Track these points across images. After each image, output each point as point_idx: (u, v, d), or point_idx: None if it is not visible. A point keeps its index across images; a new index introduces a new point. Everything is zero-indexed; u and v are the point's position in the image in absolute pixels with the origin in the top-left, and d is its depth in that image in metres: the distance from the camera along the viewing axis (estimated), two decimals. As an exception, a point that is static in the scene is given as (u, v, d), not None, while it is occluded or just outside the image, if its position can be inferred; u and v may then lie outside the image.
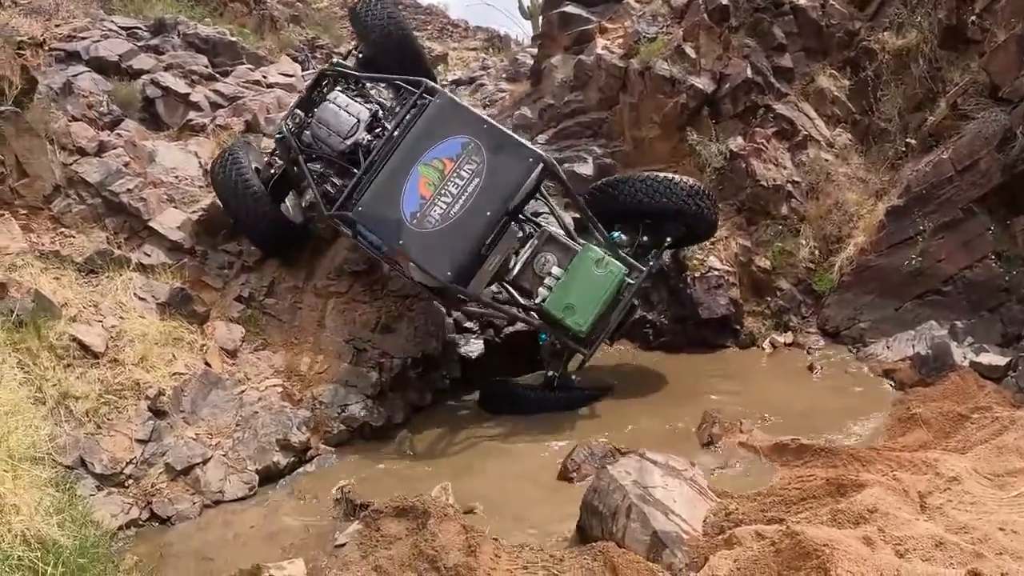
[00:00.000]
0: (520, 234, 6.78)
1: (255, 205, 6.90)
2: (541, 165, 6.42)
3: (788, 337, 7.01)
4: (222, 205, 7.10)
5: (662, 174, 6.64)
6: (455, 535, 4.57)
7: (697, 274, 7.23)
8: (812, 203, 7.38)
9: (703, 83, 7.63)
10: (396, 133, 6.77)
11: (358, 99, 7.24)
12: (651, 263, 6.57)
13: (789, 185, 7.35)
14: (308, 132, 7.13)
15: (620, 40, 8.17)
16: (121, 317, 6.26)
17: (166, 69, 8.51)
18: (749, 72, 7.56)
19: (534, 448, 5.96)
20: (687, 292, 7.22)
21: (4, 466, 3.74)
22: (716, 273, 7.15)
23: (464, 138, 6.56)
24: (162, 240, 6.95)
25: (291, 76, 7.39)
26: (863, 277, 6.94)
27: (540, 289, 6.55)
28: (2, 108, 6.24)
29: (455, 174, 6.49)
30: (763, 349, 7.07)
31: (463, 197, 6.44)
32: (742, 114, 7.66)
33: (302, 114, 7.27)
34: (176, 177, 7.43)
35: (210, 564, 4.88)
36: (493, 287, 6.79)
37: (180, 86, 8.38)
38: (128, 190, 6.87)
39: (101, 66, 8.20)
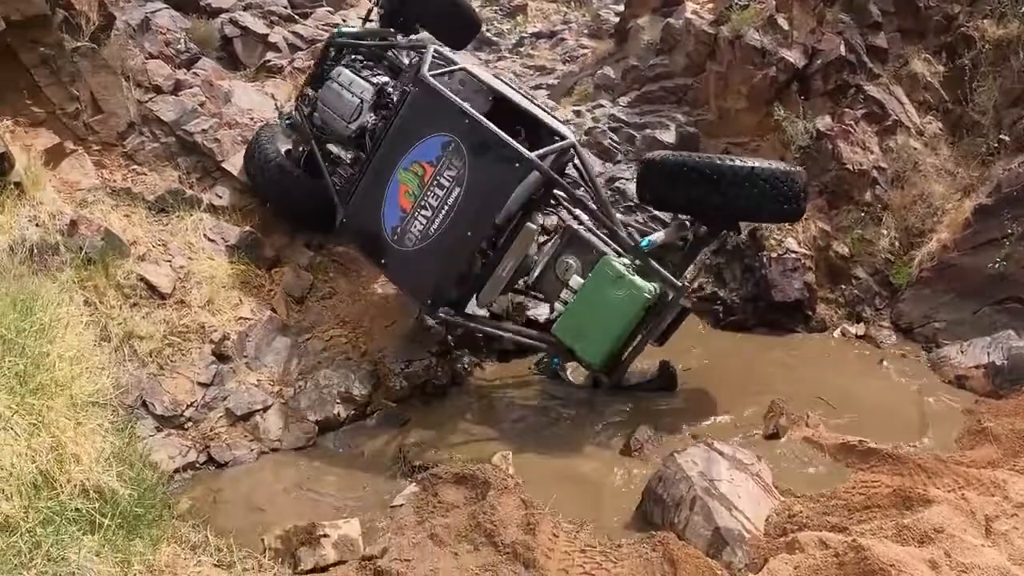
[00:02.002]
0: (542, 229, 5.92)
1: (286, 185, 6.52)
2: (535, 173, 5.43)
3: (860, 328, 6.68)
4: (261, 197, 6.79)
5: (775, 165, 5.52)
6: (514, 509, 4.47)
7: (774, 255, 6.88)
8: (897, 192, 6.97)
9: (794, 57, 7.20)
10: (382, 125, 5.85)
11: (366, 71, 6.42)
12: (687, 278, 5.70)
13: (875, 171, 6.94)
14: (317, 115, 6.42)
15: (711, 5, 7.77)
16: (189, 258, 6.17)
17: (245, 9, 8.33)
18: (842, 49, 7.12)
19: (598, 420, 5.76)
20: (762, 272, 6.90)
21: (66, 414, 3.66)
22: (793, 256, 6.81)
23: (444, 137, 5.48)
24: (234, 182, 6.82)
25: (371, 21, 7.10)
26: (943, 275, 6.57)
27: (557, 303, 5.73)
28: (79, 44, 6.12)
29: (435, 182, 5.52)
30: (833, 337, 6.74)
31: (443, 211, 5.50)
32: (832, 92, 7.23)
33: (312, 93, 6.54)
34: (251, 119, 7.27)
35: (262, 515, 4.81)
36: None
37: (259, 26, 8.20)
38: (202, 130, 6.75)
39: (179, 3, 8.03)
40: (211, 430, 5.49)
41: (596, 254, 5.61)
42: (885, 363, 6.27)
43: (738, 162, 5.45)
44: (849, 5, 7.30)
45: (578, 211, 6.17)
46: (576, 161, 6.04)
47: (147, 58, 6.82)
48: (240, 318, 6.03)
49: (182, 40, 7.48)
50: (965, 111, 7.15)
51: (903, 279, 6.74)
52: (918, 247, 6.81)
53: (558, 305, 5.69)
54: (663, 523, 4.29)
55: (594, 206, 5.75)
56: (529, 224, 5.69)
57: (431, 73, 5.70)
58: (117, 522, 3.57)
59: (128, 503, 3.74)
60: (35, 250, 5.14)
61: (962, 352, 6.13)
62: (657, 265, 5.47)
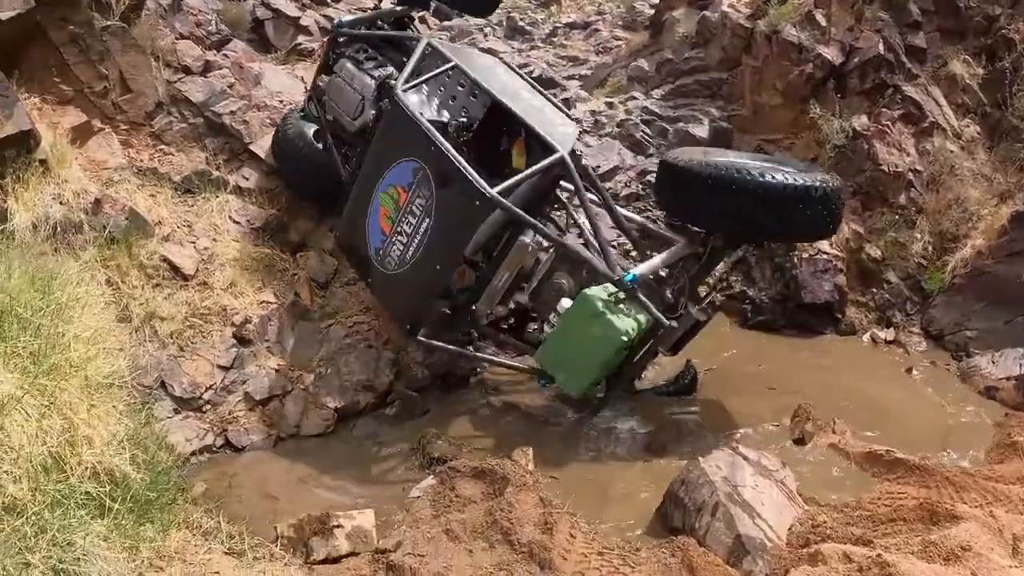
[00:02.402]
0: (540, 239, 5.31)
1: (312, 169, 6.35)
2: (498, 211, 5.01)
3: (890, 334, 6.46)
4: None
5: (825, 181, 5.06)
6: (532, 507, 4.33)
7: (805, 255, 6.66)
8: (932, 195, 6.74)
9: (832, 54, 6.96)
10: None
11: (370, 62, 6.06)
12: (683, 313, 5.14)
13: (910, 173, 6.70)
14: (327, 108, 6.14)
15: (748, -1, 7.54)
16: (214, 239, 6.08)
17: (277, -10, 8.20)
18: (881, 48, 6.86)
19: (621, 418, 5.60)
20: (792, 273, 6.69)
21: (80, 395, 3.55)
22: (824, 257, 6.59)
23: (414, 162, 5.14)
24: (261, 164, 6.68)
25: (404, 5, 6.96)
26: (976, 282, 6.34)
27: (547, 326, 5.35)
28: (109, 23, 6.01)
29: (408, 209, 5.20)
30: (862, 342, 6.52)
31: (416, 239, 5.19)
32: (869, 91, 6.98)
33: (323, 84, 6.20)
34: (280, 101, 7.14)
35: (276, 503, 4.72)
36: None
37: (291, 9, 8.06)
38: (231, 112, 6.62)
39: (212, -16, 7.91)
40: (229, 414, 5.40)
41: (588, 275, 5.19)
42: (914, 371, 6.07)
43: (789, 177, 4.99)
44: (888, 3, 7.05)
45: (582, 219, 5.77)
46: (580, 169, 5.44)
47: (177, 38, 6.70)
48: (263, 302, 5.93)
49: (213, 21, 7.36)
50: (1004, 115, 6.90)
51: (935, 285, 6.52)
52: (952, 253, 6.58)
53: (548, 328, 5.35)
54: (683, 527, 4.14)
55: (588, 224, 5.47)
56: (522, 239, 5.24)
57: (410, 84, 5.38)
58: (127, 506, 3.45)
59: (140, 487, 3.64)
60: (58, 228, 5.07)
61: (993, 363, 5.91)
62: (644, 299, 4.99)
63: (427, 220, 5.11)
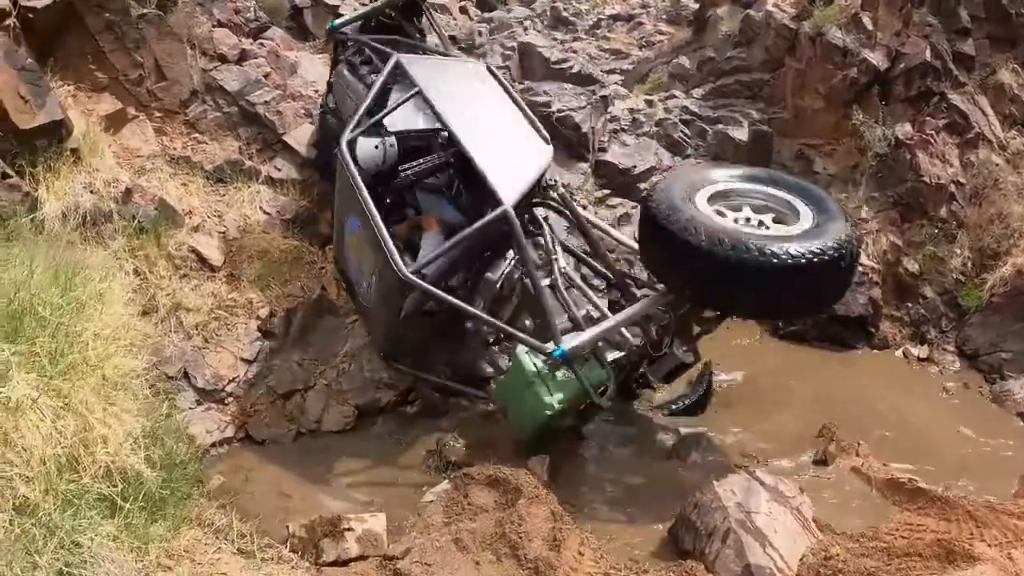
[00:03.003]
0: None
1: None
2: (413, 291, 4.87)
3: (923, 351, 6.28)
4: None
5: (824, 243, 4.31)
6: (542, 521, 4.28)
7: (840, 267, 6.48)
8: (974, 209, 6.53)
9: (877, 59, 6.74)
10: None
11: (364, 67, 6.04)
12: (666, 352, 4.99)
13: (953, 186, 6.48)
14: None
15: (794, -2, 7.32)
16: (243, 230, 6.12)
17: (316, -22, 8.16)
18: (928, 54, 6.65)
19: (641, 430, 5.55)
20: (827, 283, 6.51)
21: (96, 394, 3.60)
22: (860, 269, 6.35)
23: (355, 220, 5.15)
24: (294, 155, 6.69)
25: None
26: (1015, 302, 6.13)
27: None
28: (145, 11, 6.07)
29: (359, 257, 5.29)
30: (895, 358, 6.36)
31: (371, 288, 5.21)
32: (913, 99, 6.77)
33: None
34: (316, 91, 7.12)
35: (288, 501, 4.76)
36: None
37: (330, -5, 8.02)
38: (265, 102, 6.63)
39: (251, -28, 7.90)
40: (251, 407, 5.45)
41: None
42: (945, 392, 5.91)
43: (795, 248, 4.26)
44: (938, 7, 6.82)
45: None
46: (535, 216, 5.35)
47: (214, 26, 6.72)
48: (289, 295, 5.94)
49: (252, 8, 7.35)
50: (1052, 129, 6.67)
51: (973, 302, 6.32)
52: (991, 270, 6.36)
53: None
54: (694, 551, 4.06)
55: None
56: (488, 275, 5.29)
57: (358, 131, 5.23)
58: (139, 505, 3.51)
59: (153, 484, 3.68)
60: (88, 217, 5.16)
61: (1027, 387, 5.75)
62: (576, 371, 4.71)
63: (372, 276, 5.14)
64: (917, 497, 4.52)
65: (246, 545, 3.91)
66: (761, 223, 4.72)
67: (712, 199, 4.76)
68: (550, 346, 4.70)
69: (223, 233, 5.92)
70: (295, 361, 5.68)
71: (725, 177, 4.98)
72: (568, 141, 7.07)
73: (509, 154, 5.14)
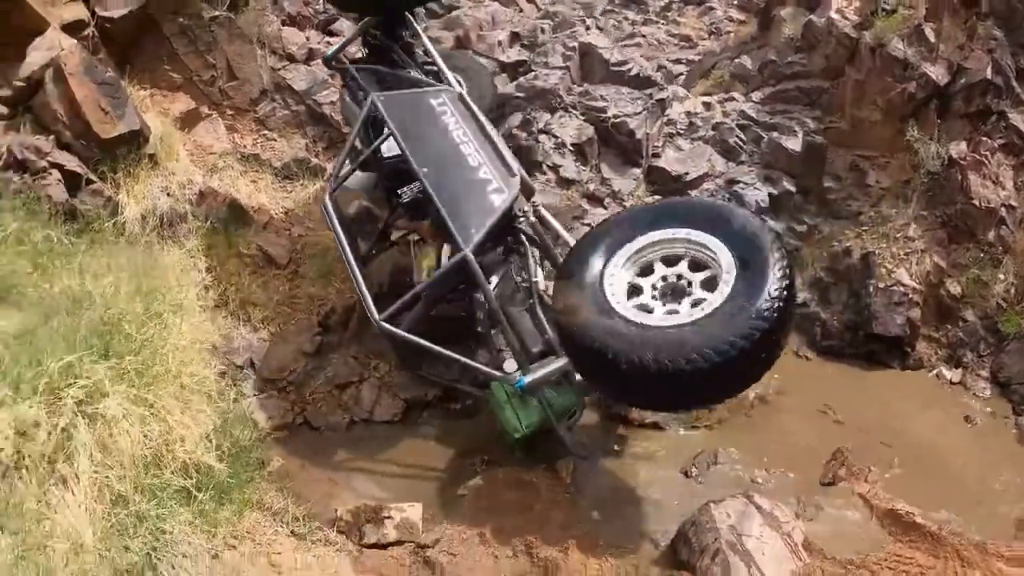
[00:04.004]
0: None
1: None
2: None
3: (956, 374, 6.69)
4: None
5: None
6: (558, 525, 5.15)
7: (881, 284, 6.89)
8: (1022, 234, 6.81)
9: (937, 73, 7.01)
10: None
11: (361, 92, 6.48)
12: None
13: (1003, 209, 6.77)
14: None
15: (857, 5, 7.56)
16: (309, 227, 6.95)
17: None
18: (990, 71, 6.87)
19: (665, 442, 6.15)
20: (866, 301, 6.95)
21: (176, 399, 4.53)
22: (901, 289, 6.81)
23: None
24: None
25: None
26: (1055, 332, 6.47)
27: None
28: (217, 14, 6.86)
29: None
30: (927, 378, 6.79)
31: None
32: (972, 116, 7.03)
33: None
34: (380, 90, 7.84)
35: (336, 487, 5.62)
36: None
37: (400, -9, 8.61)
38: (331, 101, 7.38)
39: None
40: (309, 395, 6.29)
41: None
42: (971, 421, 6.33)
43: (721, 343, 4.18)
44: (1005, 22, 6.97)
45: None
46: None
47: (284, 23, 7.47)
48: (348, 292, 6.67)
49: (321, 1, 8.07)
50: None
51: (1012, 328, 6.65)
52: (1034, 297, 6.68)
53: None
54: (688, 564, 4.74)
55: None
56: (476, 295, 5.73)
57: (338, 184, 6.00)
58: (210, 494, 4.44)
59: (222, 474, 4.63)
60: (165, 219, 6.07)
61: (1053, 425, 6.11)
62: (540, 400, 5.31)
63: None
64: (911, 531, 5.00)
65: (299, 528, 4.82)
66: (672, 294, 4.77)
67: (627, 263, 4.88)
68: (515, 376, 5.22)
69: (288, 231, 6.79)
70: (351, 355, 6.47)
71: (636, 229, 5.00)
72: (622, 147, 7.53)
73: (473, 193, 5.48)
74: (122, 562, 3.73)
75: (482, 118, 5.98)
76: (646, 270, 4.87)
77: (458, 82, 6.66)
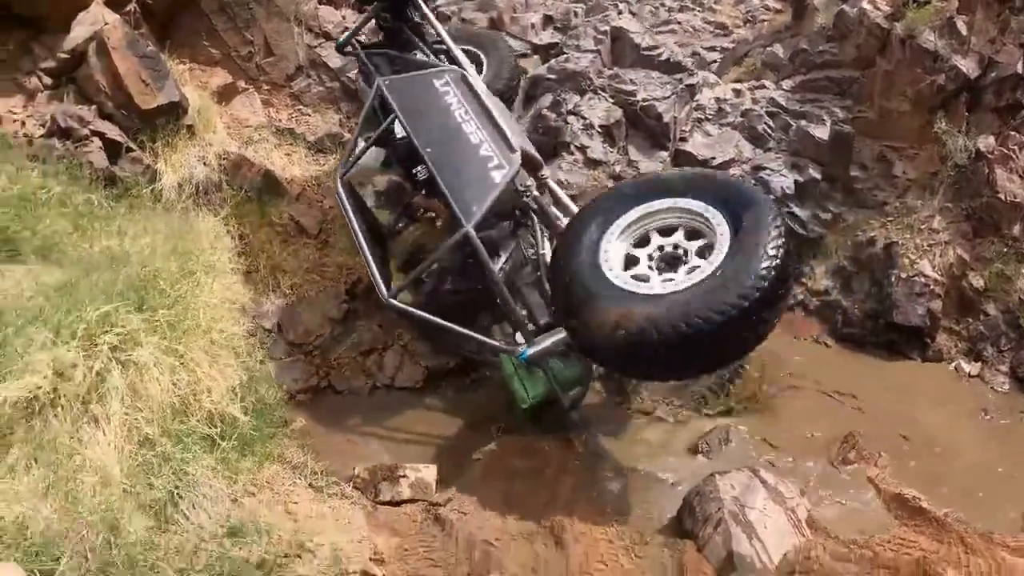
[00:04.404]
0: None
1: None
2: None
3: (975, 368, 6.70)
4: None
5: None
6: (567, 489, 5.33)
7: (903, 275, 6.94)
8: (1048, 230, 6.80)
9: (968, 66, 7.03)
10: None
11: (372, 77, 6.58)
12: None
13: (1027, 204, 6.79)
14: None
15: (891, -5, 7.61)
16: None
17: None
18: (1020, 66, 6.88)
19: (680, 415, 6.31)
20: (888, 290, 7.00)
21: (205, 353, 4.77)
22: (923, 280, 6.84)
23: None
24: (389, 130, 7.68)
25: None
26: (1078, 330, 6.47)
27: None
28: (255, -10, 7.10)
29: None
30: (945, 371, 6.81)
31: None
32: (1001, 110, 7.03)
33: None
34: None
35: (356, 447, 5.88)
36: None
37: (436, -33, 8.79)
38: (364, 78, 7.59)
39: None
40: (334, 360, 6.56)
41: None
42: (987, 414, 6.34)
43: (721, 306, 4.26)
44: (1041, 14, 6.93)
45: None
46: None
47: (321, 1, 7.69)
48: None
49: (358, -24, 8.25)
50: None
51: (1033, 323, 6.68)
52: (1057, 294, 6.67)
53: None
54: (691, 533, 4.84)
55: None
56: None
57: (349, 167, 6.20)
58: (233, 444, 4.68)
59: (246, 427, 4.87)
60: (200, 187, 6.33)
61: (1068, 422, 6.09)
62: (545, 371, 5.51)
63: None
64: (917, 515, 5.02)
65: (317, 481, 5.02)
66: (668, 264, 4.84)
67: (622, 235, 4.94)
68: (519, 348, 5.39)
69: (320, 202, 7.03)
70: (376, 323, 6.70)
71: (629, 201, 5.08)
72: (650, 130, 7.63)
73: (474, 170, 5.59)
74: (146, 498, 3.97)
75: (486, 95, 6.08)
76: (642, 241, 4.96)
77: (477, 58, 6.87)
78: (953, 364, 6.84)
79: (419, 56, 6.79)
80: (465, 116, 5.84)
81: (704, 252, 4.63)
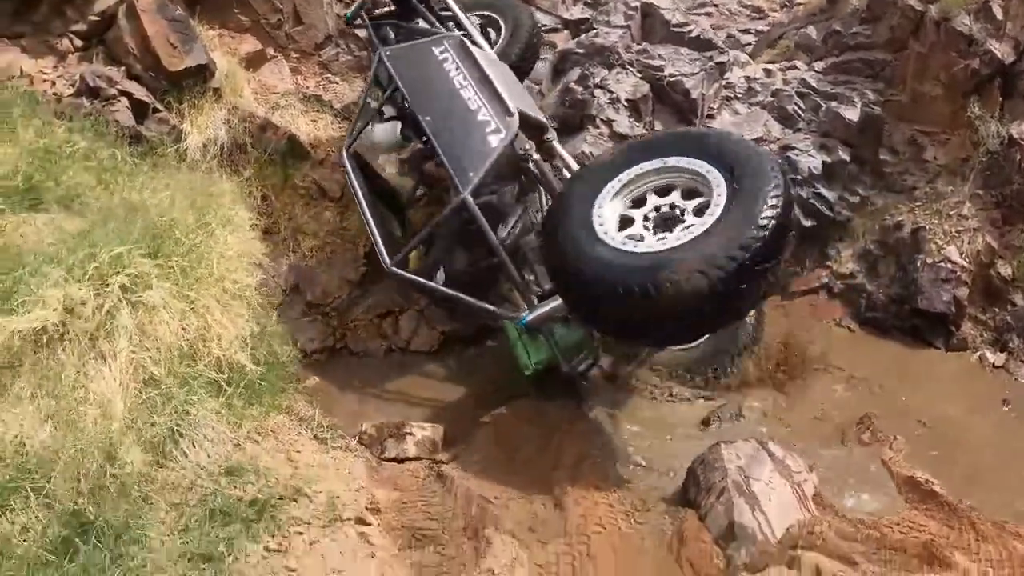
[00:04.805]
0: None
1: None
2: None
3: (1000, 358, 6.51)
4: None
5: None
6: (571, 454, 5.29)
7: (929, 260, 6.79)
8: (1079, 219, 6.61)
9: (1002, 51, 6.85)
10: None
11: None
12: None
13: (1058, 191, 6.60)
14: None
15: (926, -24, 7.43)
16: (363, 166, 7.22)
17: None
18: (1056, 52, 6.69)
19: (692, 388, 6.27)
20: (913, 275, 6.86)
21: (217, 302, 4.82)
22: (949, 266, 6.69)
23: None
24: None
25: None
26: (1104, 322, 6.29)
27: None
28: (285, -40, 7.15)
29: None
30: (969, 361, 6.63)
31: None
32: (1036, 96, 6.84)
33: None
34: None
35: (367, 406, 6.00)
36: None
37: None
38: (391, 46, 7.61)
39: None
40: (351, 322, 6.64)
41: None
42: (1009, 405, 6.16)
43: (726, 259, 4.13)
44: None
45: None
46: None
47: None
48: (398, 229, 7.02)
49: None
50: None
51: (1061, 316, 6.49)
52: (1085, 284, 6.48)
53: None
54: (694, 502, 4.78)
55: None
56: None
57: (353, 139, 6.32)
58: (239, 391, 4.72)
59: (254, 376, 4.90)
60: (225, 148, 6.40)
61: (1089, 415, 5.92)
62: (546, 337, 5.54)
63: None
64: (929, 499, 4.90)
65: (322, 433, 5.05)
66: (666, 224, 4.70)
67: (617, 196, 4.84)
68: (520, 315, 5.41)
69: (344, 168, 7.07)
70: (393, 286, 6.73)
71: (623, 162, 4.98)
72: (677, 106, 7.58)
73: (472, 136, 5.56)
74: (147, 434, 4.02)
75: (485, 60, 6.00)
76: (639, 201, 4.85)
77: (496, 23, 6.97)
78: (978, 354, 6.66)
79: (422, 24, 6.80)
80: (463, 82, 5.80)
81: (701, 210, 4.49)
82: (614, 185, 4.82)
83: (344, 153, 6.27)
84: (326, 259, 6.74)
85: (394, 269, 5.74)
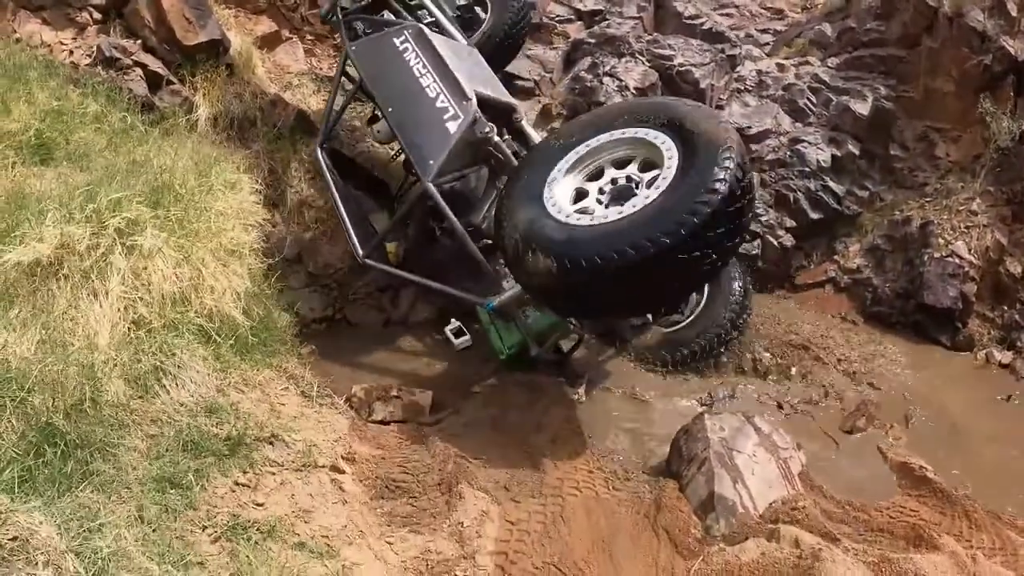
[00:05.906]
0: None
1: None
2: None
3: (1007, 356, 6.43)
4: None
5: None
6: (557, 421, 5.31)
7: (937, 255, 6.76)
8: (1090, 217, 6.54)
9: (1016, 47, 6.84)
10: None
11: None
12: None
13: (1072, 192, 6.54)
14: None
15: (940, -29, 7.43)
16: (372, 145, 7.38)
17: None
18: (1066, 47, 6.65)
19: (687, 374, 6.24)
20: (919, 270, 6.83)
21: (212, 255, 4.93)
22: (957, 261, 6.65)
23: None
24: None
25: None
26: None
27: None
28: (301, -57, 7.33)
29: None
30: (974, 359, 6.58)
31: None
32: (1048, 92, 6.79)
33: None
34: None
35: (360, 372, 6.08)
36: None
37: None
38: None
39: None
40: (351, 294, 6.75)
41: None
42: (1012, 400, 6.09)
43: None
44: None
45: None
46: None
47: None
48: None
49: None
50: None
51: (1070, 315, 6.39)
52: (1095, 284, 6.38)
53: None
54: (676, 472, 4.76)
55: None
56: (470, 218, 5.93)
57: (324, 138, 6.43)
58: (229, 343, 4.78)
59: (245, 330, 4.96)
60: (235, 122, 6.55)
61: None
62: (516, 322, 5.60)
63: None
64: (922, 485, 4.86)
65: (309, 391, 5.08)
66: (623, 196, 4.59)
67: (571, 171, 4.83)
68: (488, 299, 5.44)
69: (353, 145, 7.22)
70: (394, 262, 6.83)
71: (576, 137, 4.95)
72: (686, 95, 7.53)
73: (432, 124, 5.59)
74: (130, 370, 4.10)
75: (444, 46, 6.00)
76: (595, 175, 4.82)
77: (486, 6, 7.05)
78: (984, 352, 6.60)
79: (387, 16, 6.85)
80: (422, 70, 5.82)
81: (655, 180, 4.41)
82: (569, 158, 4.81)
83: (318, 150, 6.39)
84: (329, 232, 6.84)
85: (368, 261, 5.93)
